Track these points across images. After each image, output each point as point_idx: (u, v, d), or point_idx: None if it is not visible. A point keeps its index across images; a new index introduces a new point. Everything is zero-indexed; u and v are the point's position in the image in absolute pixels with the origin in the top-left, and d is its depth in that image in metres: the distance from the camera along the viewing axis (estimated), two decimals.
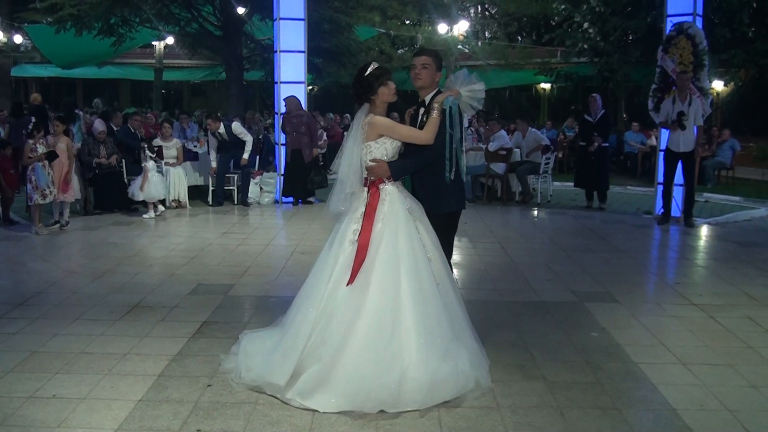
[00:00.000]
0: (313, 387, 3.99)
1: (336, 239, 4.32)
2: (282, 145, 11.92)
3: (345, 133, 17.62)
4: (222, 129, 11.48)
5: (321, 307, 4.15)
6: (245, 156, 11.52)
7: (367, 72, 4.35)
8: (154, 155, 10.81)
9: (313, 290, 4.25)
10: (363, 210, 4.29)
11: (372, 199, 4.30)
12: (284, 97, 11.68)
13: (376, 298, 4.09)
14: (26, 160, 9.00)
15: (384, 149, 4.34)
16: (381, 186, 4.33)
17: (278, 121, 12.06)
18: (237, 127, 11.63)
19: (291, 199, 11.87)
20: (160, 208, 10.67)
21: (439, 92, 4.50)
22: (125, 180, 11.13)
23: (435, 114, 4.34)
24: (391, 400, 3.90)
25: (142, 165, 10.62)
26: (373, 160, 4.33)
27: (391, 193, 4.34)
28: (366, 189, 4.35)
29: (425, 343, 4.02)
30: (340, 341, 4.02)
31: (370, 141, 4.32)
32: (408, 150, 4.44)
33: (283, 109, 11.81)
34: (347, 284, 4.13)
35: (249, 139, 11.61)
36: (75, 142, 10.55)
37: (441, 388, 4.00)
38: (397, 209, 4.30)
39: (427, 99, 4.54)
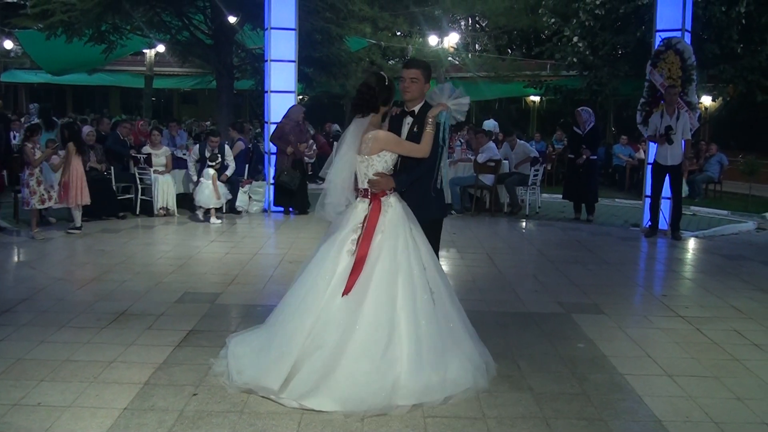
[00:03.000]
0: (309, 390, 4.04)
1: (333, 247, 4.36)
2: (272, 154, 11.91)
3: (332, 141, 17.67)
4: (217, 150, 11.52)
5: (317, 315, 4.21)
6: (226, 173, 11.50)
7: (387, 83, 4.38)
8: (215, 164, 10.97)
9: (310, 297, 4.28)
10: (362, 220, 4.35)
11: (373, 212, 4.36)
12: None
13: (373, 309, 4.17)
14: (35, 162, 8.97)
15: (385, 162, 4.39)
16: (383, 198, 4.39)
17: (267, 130, 12.05)
18: (229, 152, 11.65)
19: (280, 208, 11.85)
20: (214, 219, 10.79)
21: (426, 104, 4.58)
22: (113, 187, 11.12)
23: (429, 128, 4.41)
24: (383, 405, 3.99)
25: (205, 171, 10.88)
26: (376, 174, 4.36)
27: (393, 205, 4.41)
28: (368, 201, 4.40)
29: (416, 352, 4.14)
30: (335, 349, 4.09)
31: (372, 155, 4.34)
32: (403, 161, 4.52)
33: (273, 119, 11.82)
34: (343, 294, 4.20)
35: (231, 165, 11.53)
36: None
37: (430, 396, 4.11)
38: (397, 221, 4.38)
39: (416, 109, 4.60)
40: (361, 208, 4.40)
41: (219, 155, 11.13)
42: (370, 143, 4.33)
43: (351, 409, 3.97)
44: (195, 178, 11.36)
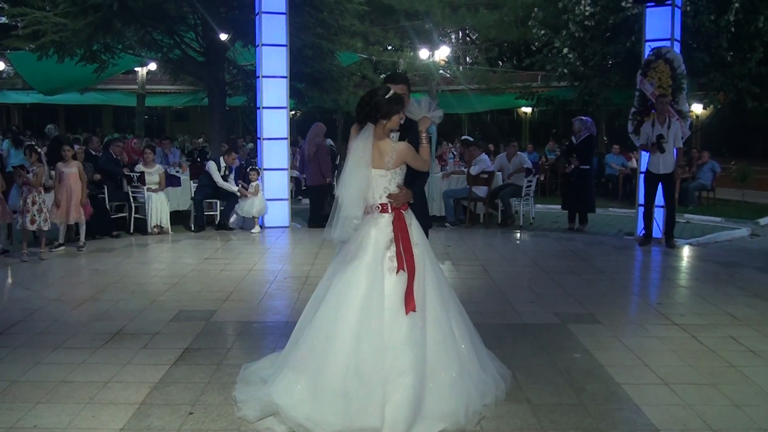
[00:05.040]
0: (412, 419, 3.90)
1: (365, 267, 4.16)
2: (265, 170, 11.94)
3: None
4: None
5: (384, 339, 4.01)
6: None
7: (388, 95, 4.26)
8: (256, 181, 11.79)
9: (366, 325, 4.03)
10: (391, 236, 4.22)
11: (401, 225, 4.26)
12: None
13: (435, 321, 4.18)
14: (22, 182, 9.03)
15: (401, 175, 4.32)
16: (404, 211, 4.32)
17: (260, 147, 12.07)
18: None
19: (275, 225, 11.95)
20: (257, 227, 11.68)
21: (406, 118, 4.51)
22: (107, 206, 11.10)
23: (426, 142, 4.38)
24: (478, 408, 4.15)
25: (246, 186, 11.76)
26: (398, 186, 4.29)
27: (413, 218, 4.39)
28: (390, 215, 4.26)
29: (475, 354, 4.38)
30: (418, 370, 3.99)
31: (396, 168, 4.25)
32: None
33: (265, 134, 11.87)
34: (407, 312, 4.07)
35: (233, 189, 11.77)
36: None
37: (497, 393, 4.39)
38: (421, 232, 4.41)
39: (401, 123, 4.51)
40: (385, 223, 4.25)
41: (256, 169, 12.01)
42: (395, 156, 4.22)
43: (457, 420, 4.00)
44: (221, 182, 11.73)
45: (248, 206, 11.61)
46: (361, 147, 4.23)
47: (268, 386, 4.24)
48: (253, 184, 11.66)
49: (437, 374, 4.07)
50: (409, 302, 4.08)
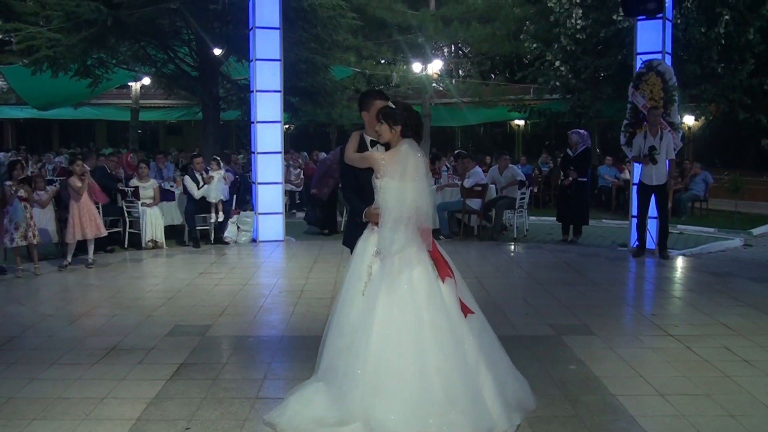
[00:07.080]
0: (505, 410, 4.12)
1: (421, 282, 4.15)
2: (260, 183, 11.96)
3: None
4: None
5: (464, 347, 4.13)
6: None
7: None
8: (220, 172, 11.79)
9: (443, 339, 4.04)
10: (423, 250, 4.23)
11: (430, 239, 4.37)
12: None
13: (481, 317, 4.39)
14: (9, 199, 8.98)
15: None
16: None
17: (255, 161, 12.09)
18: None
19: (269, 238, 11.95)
20: (219, 216, 11.68)
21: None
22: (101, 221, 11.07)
23: None
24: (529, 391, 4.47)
25: (209, 174, 11.58)
26: None
27: None
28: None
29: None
30: (493, 365, 4.23)
31: None
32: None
33: (259, 149, 11.90)
34: (465, 315, 4.24)
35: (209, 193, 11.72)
36: None
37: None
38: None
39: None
40: (414, 237, 4.23)
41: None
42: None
43: (527, 405, 4.34)
44: (196, 193, 11.50)
45: (205, 190, 11.43)
46: (421, 162, 4.26)
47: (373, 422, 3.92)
48: (213, 173, 11.60)
49: (498, 368, 4.27)
50: (467, 307, 4.26)
